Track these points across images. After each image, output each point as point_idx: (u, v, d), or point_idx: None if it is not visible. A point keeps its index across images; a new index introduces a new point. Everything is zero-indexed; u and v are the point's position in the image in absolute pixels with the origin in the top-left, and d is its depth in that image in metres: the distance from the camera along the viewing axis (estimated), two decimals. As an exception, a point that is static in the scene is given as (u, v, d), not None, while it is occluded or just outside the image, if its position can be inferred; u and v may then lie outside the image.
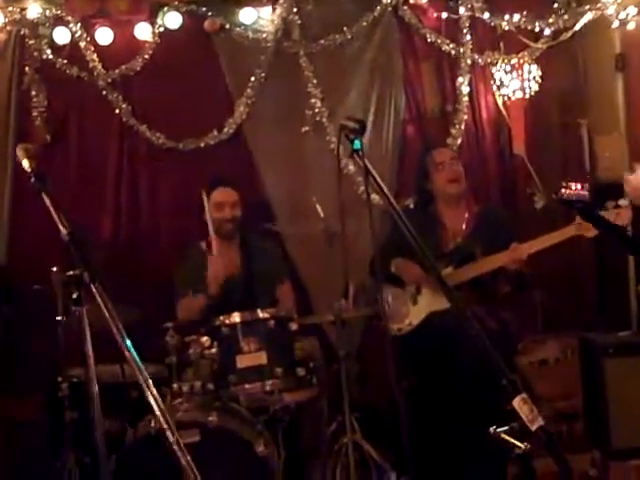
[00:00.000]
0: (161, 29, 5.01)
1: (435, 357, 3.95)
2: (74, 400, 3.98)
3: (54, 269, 2.01)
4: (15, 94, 4.99)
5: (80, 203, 5.05)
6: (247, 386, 3.50)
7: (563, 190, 2.99)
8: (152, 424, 3.42)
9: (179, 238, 4.96)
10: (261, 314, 3.62)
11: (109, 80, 5.01)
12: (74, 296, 1.97)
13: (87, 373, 2.03)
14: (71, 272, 1.95)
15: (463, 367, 3.67)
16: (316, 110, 5.07)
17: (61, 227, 2.00)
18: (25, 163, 2.16)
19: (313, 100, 5.08)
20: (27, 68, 4.97)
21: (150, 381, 1.83)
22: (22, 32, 4.94)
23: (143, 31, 4.99)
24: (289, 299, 4.36)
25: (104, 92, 5.01)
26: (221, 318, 3.59)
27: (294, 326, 3.66)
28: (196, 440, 3.32)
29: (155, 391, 1.83)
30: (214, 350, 3.55)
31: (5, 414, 4.72)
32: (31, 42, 4.95)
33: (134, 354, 1.86)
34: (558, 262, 4.75)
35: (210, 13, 5.03)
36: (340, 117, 4.97)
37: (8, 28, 4.95)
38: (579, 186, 3.11)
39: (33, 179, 2.11)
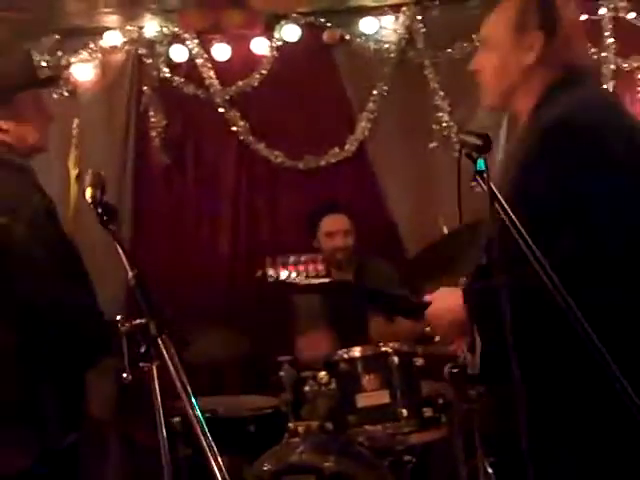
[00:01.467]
0: (279, 43, 4.80)
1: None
2: (188, 435, 3.80)
3: (118, 317, 1.75)
4: (134, 115, 4.90)
5: (199, 222, 4.95)
6: (368, 427, 3.19)
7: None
8: (265, 467, 3.19)
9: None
10: (383, 348, 3.30)
11: (226, 97, 4.82)
12: (142, 350, 1.71)
13: (159, 432, 1.78)
14: (137, 321, 1.71)
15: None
16: (444, 124, 4.73)
17: (128, 268, 1.75)
18: (88, 192, 1.89)
19: (440, 114, 4.73)
20: (145, 88, 4.86)
21: (215, 449, 1.57)
22: (139, 51, 4.85)
23: (260, 45, 4.79)
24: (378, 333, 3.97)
25: (221, 110, 4.84)
26: (340, 352, 3.31)
27: (419, 361, 3.33)
28: (312, 486, 3.06)
29: (221, 461, 1.56)
30: (332, 387, 3.28)
31: (129, 435, 4.64)
32: (148, 61, 4.84)
33: (200, 417, 1.60)
34: None
35: (329, 24, 4.79)
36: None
37: (126, 48, 4.85)
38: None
39: (97, 212, 1.84)
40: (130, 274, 1.74)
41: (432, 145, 4.73)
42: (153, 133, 4.86)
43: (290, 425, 3.31)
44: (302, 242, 4.75)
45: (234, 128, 4.84)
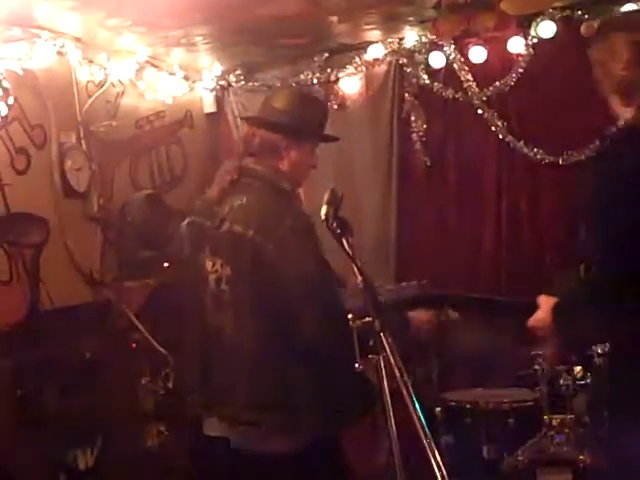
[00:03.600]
0: (534, 40, 4.83)
1: None
2: (450, 424, 4.00)
3: (350, 316, 2.01)
4: (396, 121, 5.20)
5: (460, 221, 5.15)
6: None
7: None
8: (520, 457, 3.31)
9: (564, 258, 4.72)
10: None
11: (484, 98, 4.96)
12: (370, 344, 1.94)
13: (387, 418, 1.97)
14: (366, 319, 1.94)
15: None
16: None
17: (357, 274, 1.96)
18: (323, 209, 2.06)
19: None
20: (406, 95, 5.14)
21: (434, 446, 1.74)
22: (400, 61, 5.14)
23: (516, 45, 4.85)
24: None
25: (479, 111, 4.98)
26: (594, 347, 3.33)
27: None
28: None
29: (439, 458, 1.72)
30: (588, 381, 3.32)
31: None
32: (409, 69, 5.12)
33: (420, 416, 1.78)
34: None
35: (587, 16, 4.72)
36: None
37: (388, 59, 5.18)
38: None
39: (332, 226, 2.04)
40: (359, 279, 1.95)
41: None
42: (414, 137, 5.13)
43: (546, 418, 3.39)
44: (562, 239, 4.74)
45: (492, 128, 4.95)
